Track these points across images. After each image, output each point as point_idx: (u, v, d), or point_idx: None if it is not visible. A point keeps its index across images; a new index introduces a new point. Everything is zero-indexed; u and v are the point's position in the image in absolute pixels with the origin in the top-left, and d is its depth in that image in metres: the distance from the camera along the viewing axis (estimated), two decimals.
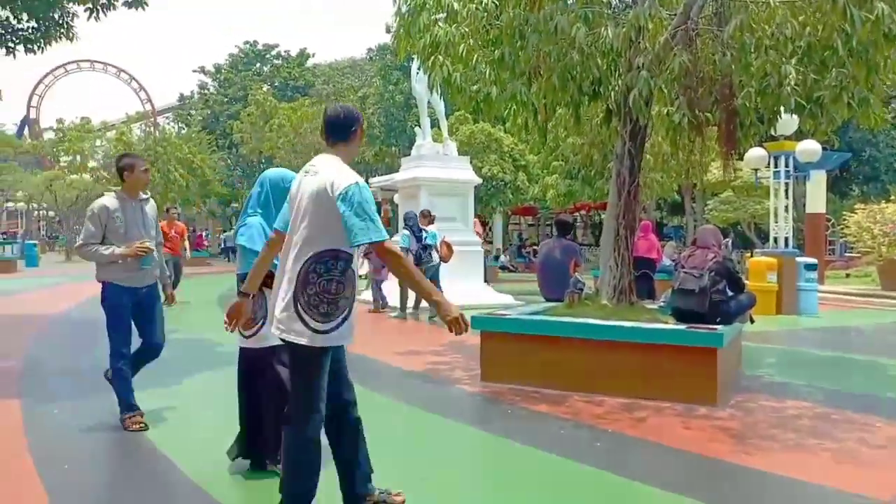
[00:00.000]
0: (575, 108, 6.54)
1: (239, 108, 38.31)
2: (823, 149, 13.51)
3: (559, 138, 15.97)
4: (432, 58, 6.22)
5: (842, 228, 17.29)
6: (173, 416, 4.75)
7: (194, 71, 48.06)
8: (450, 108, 15.98)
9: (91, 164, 34.52)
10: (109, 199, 4.36)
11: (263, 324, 3.38)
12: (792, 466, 3.76)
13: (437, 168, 13.24)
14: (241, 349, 3.59)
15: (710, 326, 5.08)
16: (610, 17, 6.23)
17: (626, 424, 4.56)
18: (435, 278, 10.19)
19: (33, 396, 5.29)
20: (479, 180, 14.65)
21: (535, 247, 27.86)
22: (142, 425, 4.32)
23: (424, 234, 10.48)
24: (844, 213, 17.67)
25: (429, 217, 10.87)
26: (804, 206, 18.67)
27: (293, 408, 2.70)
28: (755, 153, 13.03)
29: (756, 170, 14.56)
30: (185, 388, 5.71)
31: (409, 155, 14.70)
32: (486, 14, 6.11)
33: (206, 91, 46.06)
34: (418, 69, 12.16)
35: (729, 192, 21.97)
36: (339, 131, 2.82)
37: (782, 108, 5.64)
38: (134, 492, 3.37)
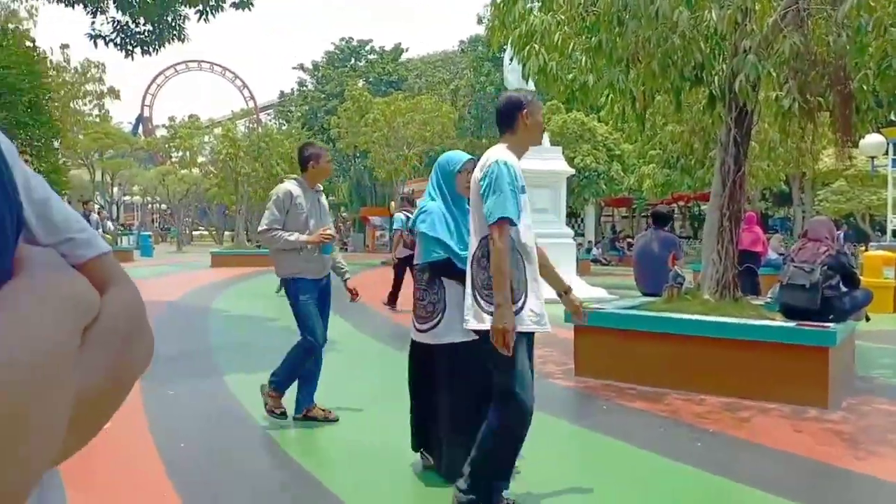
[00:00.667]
0: (675, 95, 6.33)
1: (336, 103, 39.39)
2: None
3: (657, 126, 15.45)
4: (527, 47, 6.18)
5: None
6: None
7: (293, 68, 49.86)
8: (542, 97, 15.79)
9: (200, 159, 36.54)
10: (293, 186, 4.25)
11: (442, 318, 3.19)
12: None
13: (528, 159, 13.03)
14: (414, 343, 3.41)
15: (822, 324, 4.79)
16: (714, 0, 5.98)
17: (728, 424, 4.39)
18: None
19: (152, 379, 5.69)
20: (572, 171, 14.43)
21: (629, 239, 27.15)
22: (282, 411, 4.28)
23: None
24: None
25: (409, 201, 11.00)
26: None
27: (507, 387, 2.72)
28: (872, 140, 12.16)
29: (873, 157, 13.58)
30: None
31: None
32: (582, 1, 6.00)
33: (304, 87, 47.64)
34: (511, 59, 12.09)
35: (842, 182, 20.56)
36: (502, 121, 2.89)
37: None
38: (246, 468, 3.59)
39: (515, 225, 2.68)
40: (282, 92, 52.57)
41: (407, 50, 47.40)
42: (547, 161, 13.38)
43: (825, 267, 5.01)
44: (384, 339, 7.72)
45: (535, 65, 6.13)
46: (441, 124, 28.43)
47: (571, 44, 6.12)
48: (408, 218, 10.70)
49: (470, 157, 3.37)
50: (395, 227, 10.67)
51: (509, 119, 2.85)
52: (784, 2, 5.51)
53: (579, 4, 6.04)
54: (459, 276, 3.02)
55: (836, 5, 5.21)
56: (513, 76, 13.07)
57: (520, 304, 2.68)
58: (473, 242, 2.81)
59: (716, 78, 6.10)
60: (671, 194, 22.54)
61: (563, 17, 6.10)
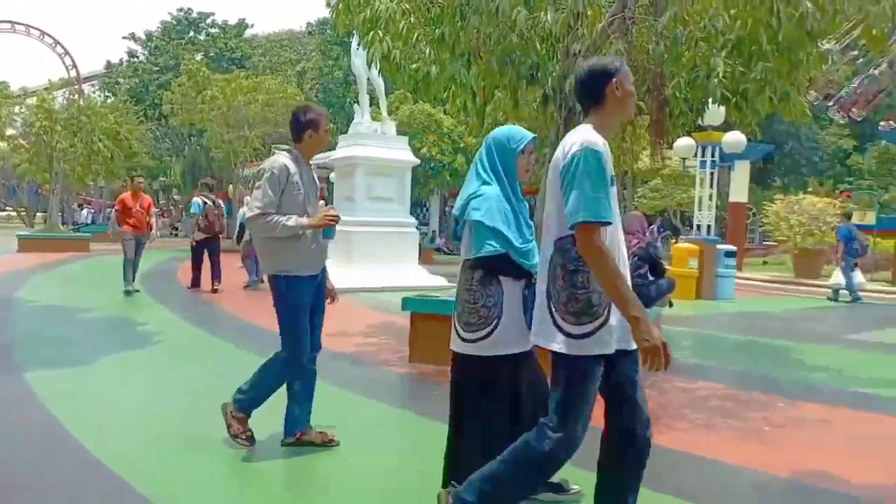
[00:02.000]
0: (513, 92, 6.57)
1: (170, 77, 36.78)
2: (748, 140, 14.08)
3: (498, 122, 16.05)
4: (371, 33, 6.12)
5: (762, 218, 18.12)
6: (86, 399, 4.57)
7: (124, 38, 45.92)
8: (390, 86, 15.79)
9: (9, 131, 32.57)
10: (287, 160, 3.54)
11: (497, 326, 2.66)
12: (699, 445, 3.94)
13: (375, 147, 13.10)
14: (460, 356, 2.79)
15: None
16: (550, 2, 6.28)
17: None
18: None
19: None
20: (418, 161, 14.60)
21: None
22: (249, 436, 3.61)
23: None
24: (765, 203, 18.53)
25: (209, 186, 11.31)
26: (728, 195, 19.45)
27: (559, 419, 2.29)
28: (683, 143, 13.47)
29: (684, 159, 15.05)
30: (103, 368, 5.50)
31: (347, 133, 14.50)
32: None
33: (135, 59, 44.06)
34: (358, 45, 11.97)
35: (658, 180, 22.65)
36: (587, 95, 2.37)
37: (710, 100, 5.81)
38: (41, 470, 3.24)
39: (609, 224, 2.19)
40: (109, 62, 48.21)
41: (252, 26, 45.39)
42: (393, 150, 13.42)
43: (636, 258, 5.46)
44: (214, 330, 7.37)
45: (378, 52, 6.09)
46: (286, 106, 27.53)
47: (416, 34, 6.14)
48: (205, 203, 10.43)
49: (534, 135, 2.88)
50: (192, 211, 11.11)
51: (595, 91, 2.33)
52: (612, 9, 5.90)
53: None
54: (517, 274, 2.65)
55: (657, 16, 5.67)
56: (360, 61, 12.94)
57: (601, 320, 2.22)
58: (548, 243, 2.31)
59: (549, 78, 6.41)
60: None
61: (408, 6, 6.11)
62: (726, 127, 12.88)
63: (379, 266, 11.72)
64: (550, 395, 2.33)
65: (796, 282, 16.22)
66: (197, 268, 10.96)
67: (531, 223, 2.79)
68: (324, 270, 3.70)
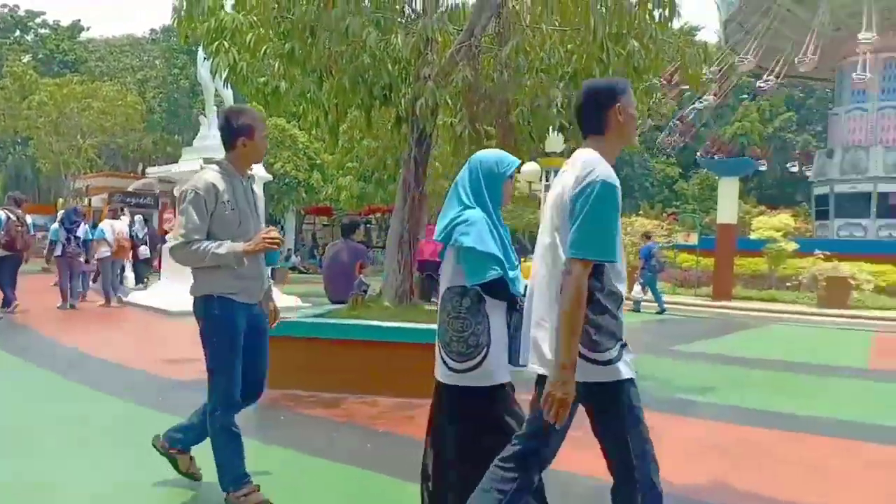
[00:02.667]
0: (366, 112, 6.60)
1: None
2: None
3: (354, 140, 16.03)
4: (216, 43, 5.90)
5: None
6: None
7: None
8: (240, 99, 15.27)
9: None
10: (215, 176, 3.01)
11: (487, 354, 2.53)
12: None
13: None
14: (447, 387, 2.63)
15: None
16: (402, 26, 6.39)
17: (398, 424, 4.67)
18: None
19: None
20: (269, 177, 14.19)
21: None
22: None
23: (78, 227, 11.05)
24: None
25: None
26: None
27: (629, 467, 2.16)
28: (530, 167, 14.19)
29: (530, 182, 15.83)
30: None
31: (192, 146, 13.80)
32: (277, 5, 5.92)
33: None
34: (205, 55, 11.48)
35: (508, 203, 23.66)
36: (589, 119, 2.23)
37: (550, 127, 6.16)
38: None
39: (614, 262, 2.13)
40: None
41: (88, 29, 42.18)
42: None
43: None
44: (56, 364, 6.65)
45: (224, 63, 5.87)
46: (125, 115, 25.73)
47: (265, 47, 6.00)
48: (8, 217, 9.61)
49: (518, 160, 2.74)
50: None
51: (598, 116, 2.20)
52: (460, 37, 6.11)
53: (274, 8, 5.95)
54: (507, 301, 2.55)
55: (502, 46, 5.95)
56: (206, 71, 12.38)
57: (619, 346, 2.16)
58: (551, 270, 2.18)
59: (402, 100, 6.50)
60: (368, 206, 23.56)
61: (256, 19, 5.95)
62: (571, 152, 13.72)
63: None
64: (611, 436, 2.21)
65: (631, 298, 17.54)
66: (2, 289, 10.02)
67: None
68: (268, 293, 3.31)
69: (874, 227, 22.18)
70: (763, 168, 26.51)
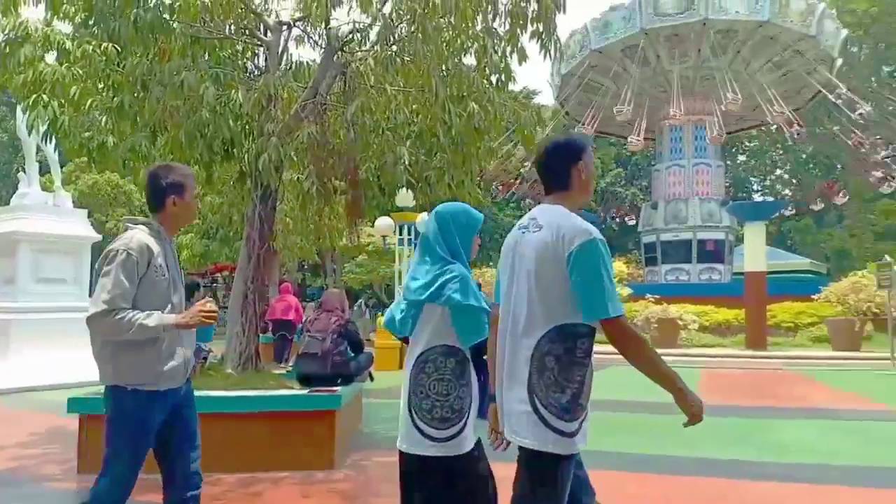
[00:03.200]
0: (206, 167, 6.31)
1: None
2: None
3: (196, 196, 15.30)
4: (34, 97, 5.41)
5: None
6: None
7: None
8: (62, 154, 14.12)
9: None
10: (147, 237, 2.68)
11: (468, 419, 2.39)
12: None
13: (45, 220, 11.43)
14: (424, 459, 2.41)
15: (331, 388, 5.21)
16: (243, 81, 6.24)
17: (242, 502, 4.33)
18: None
19: None
20: (99, 237, 13.10)
21: None
22: None
23: None
24: None
25: None
26: None
27: None
28: (383, 222, 14.27)
29: (385, 236, 15.90)
30: None
31: (9, 205, 12.48)
32: (105, 58, 5.56)
33: None
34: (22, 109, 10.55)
35: (364, 256, 23.61)
36: (555, 175, 2.23)
37: (398, 184, 6.22)
38: None
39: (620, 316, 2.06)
40: None
41: None
42: (68, 224, 11.88)
43: (336, 335, 5.51)
44: None
45: (42, 116, 5.39)
46: None
47: (90, 100, 5.59)
48: None
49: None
50: None
51: (562, 173, 2.21)
52: (305, 94, 6.06)
53: (101, 61, 5.58)
54: (482, 363, 2.41)
55: (347, 104, 5.96)
56: (24, 124, 11.37)
57: (586, 413, 2.11)
58: (531, 330, 2.08)
59: (245, 155, 6.30)
60: (214, 264, 22.47)
61: (81, 72, 5.54)
62: (424, 207, 13.99)
63: (48, 360, 10.08)
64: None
65: None
66: None
67: None
68: (189, 382, 2.87)
69: (696, 271, 24.51)
70: (598, 221, 28.64)
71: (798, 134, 21.56)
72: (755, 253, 17.38)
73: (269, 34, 6.51)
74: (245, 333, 5.92)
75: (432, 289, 2.41)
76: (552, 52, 5.69)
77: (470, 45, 5.71)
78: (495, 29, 5.72)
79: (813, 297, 17.93)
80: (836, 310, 16.50)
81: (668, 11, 21.20)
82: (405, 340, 2.58)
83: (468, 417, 2.41)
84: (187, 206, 2.83)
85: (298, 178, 6.14)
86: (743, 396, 9.51)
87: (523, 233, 2.19)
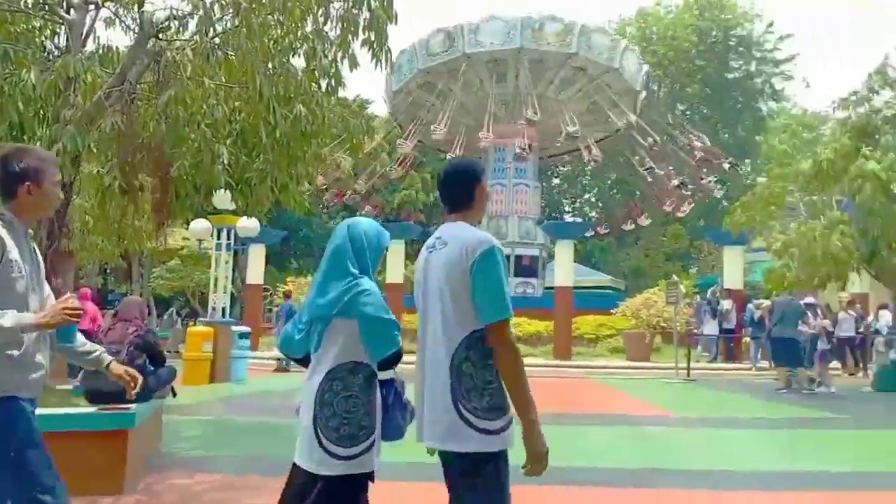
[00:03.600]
0: None
1: None
2: (263, 225, 14.84)
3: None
4: None
5: (277, 298, 19.24)
6: None
7: None
8: None
9: None
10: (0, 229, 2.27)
11: (375, 435, 2.40)
12: None
13: None
14: (324, 479, 2.33)
15: (124, 406, 4.71)
16: (38, 61, 5.55)
17: None
18: None
19: None
20: None
21: None
22: None
23: None
24: (279, 284, 19.76)
25: None
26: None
27: None
28: (199, 225, 13.41)
29: (200, 240, 14.96)
30: None
31: None
32: None
33: None
34: None
35: (176, 261, 22.05)
36: (460, 195, 2.38)
37: (216, 184, 5.87)
38: None
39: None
40: None
41: None
42: None
43: (132, 347, 5.02)
44: None
45: None
46: None
47: None
48: None
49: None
50: None
51: (467, 193, 2.36)
52: (111, 80, 5.51)
53: None
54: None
55: (161, 94, 5.50)
56: None
57: (507, 418, 2.18)
58: (448, 342, 2.20)
59: (37, 143, 5.60)
60: None
61: None
62: (245, 211, 13.34)
63: None
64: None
65: None
66: None
67: None
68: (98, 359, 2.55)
69: (513, 284, 25.88)
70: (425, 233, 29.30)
71: (595, 160, 23.57)
72: (565, 269, 18.71)
73: (72, 12, 5.85)
74: None
75: (342, 303, 2.41)
76: (383, 63, 5.70)
77: (299, 46, 5.55)
78: (326, 33, 5.61)
79: (612, 311, 19.61)
80: (630, 323, 18.16)
81: (489, 40, 22.44)
82: (304, 362, 2.53)
83: (375, 434, 2.41)
84: (45, 194, 2.44)
85: (99, 171, 5.54)
86: (550, 404, 10.15)
87: (430, 252, 2.34)
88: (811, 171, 12.59)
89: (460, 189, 2.38)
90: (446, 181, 2.40)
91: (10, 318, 2.20)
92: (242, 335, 13.06)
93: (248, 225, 13.32)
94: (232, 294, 17.75)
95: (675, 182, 24.25)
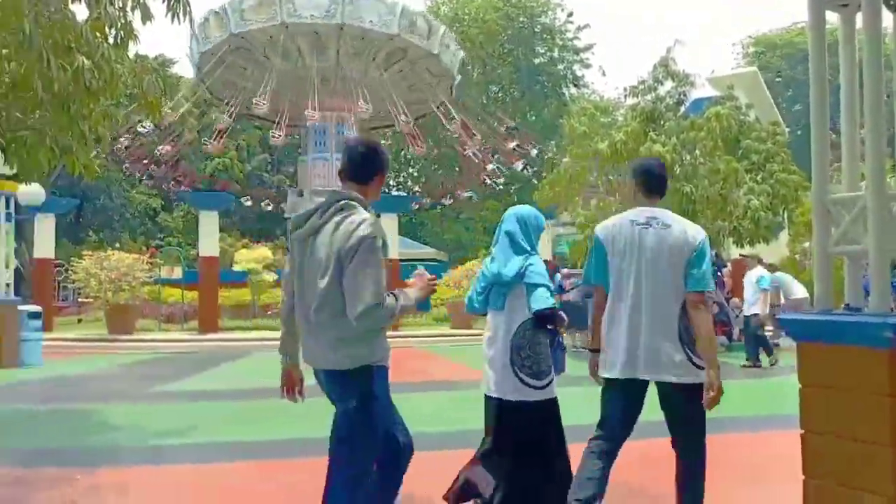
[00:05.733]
0: None
1: None
2: (53, 193, 13.27)
3: None
4: None
5: (72, 274, 17.38)
6: None
7: None
8: None
9: None
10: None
11: (553, 373, 3.27)
12: None
13: None
14: (524, 403, 3.17)
15: None
16: None
17: None
18: None
19: None
20: None
21: None
22: None
23: None
24: (74, 258, 17.84)
25: None
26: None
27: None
28: None
29: None
30: None
31: None
32: None
33: None
34: None
35: None
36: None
37: None
38: None
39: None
40: None
41: None
42: None
43: None
44: None
45: None
46: None
47: None
48: None
49: None
50: None
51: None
52: None
53: None
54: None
55: None
56: None
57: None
58: (674, 300, 2.93)
59: None
60: None
61: None
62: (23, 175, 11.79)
63: None
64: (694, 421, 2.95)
65: (111, 339, 16.10)
66: None
67: None
68: None
69: None
70: (248, 204, 28.00)
71: (420, 147, 24.08)
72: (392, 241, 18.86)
73: None
74: None
75: (521, 273, 3.19)
76: (181, 17, 5.27)
77: None
78: None
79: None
80: (454, 293, 18.81)
81: (309, 13, 21.59)
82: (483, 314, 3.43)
83: (553, 371, 3.22)
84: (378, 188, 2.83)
85: None
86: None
87: (645, 227, 2.98)
88: (607, 151, 13.72)
89: (663, 181, 3.20)
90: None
91: (400, 297, 2.59)
92: (33, 315, 11.68)
93: (30, 191, 11.86)
94: (18, 270, 15.78)
95: (488, 168, 25.81)
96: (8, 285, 12.22)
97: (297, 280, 2.62)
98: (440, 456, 4.12)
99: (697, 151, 13.64)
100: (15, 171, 6.36)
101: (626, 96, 15.35)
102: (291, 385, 2.81)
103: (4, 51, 5.19)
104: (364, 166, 2.68)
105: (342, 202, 2.56)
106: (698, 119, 13.79)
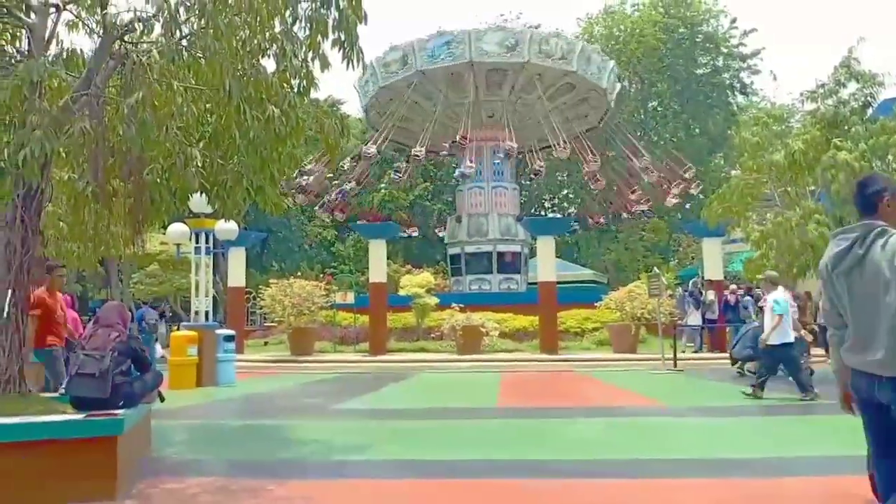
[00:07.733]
0: None
1: None
2: (243, 228, 14.73)
3: None
4: None
5: (260, 301, 19.10)
6: None
7: None
8: None
9: None
10: None
11: None
12: None
13: None
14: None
15: (111, 412, 4.69)
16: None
17: None
18: None
19: None
20: None
21: None
22: None
23: None
24: (261, 286, 19.61)
25: None
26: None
27: None
28: (177, 229, 13.30)
29: (178, 244, 14.81)
30: None
31: None
32: None
33: None
34: None
35: (155, 266, 21.82)
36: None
37: (190, 188, 5.81)
38: None
39: None
40: None
41: None
42: None
43: (116, 353, 4.98)
44: None
45: None
46: None
47: None
48: None
49: None
50: None
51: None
52: (77, 84, 5.45)
53: None
54: None
55: (128, 97, 5.43)
56: None
57: None
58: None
59: (4, 149, 5.52)
60: None
61: None
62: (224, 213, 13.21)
63: None
64: None
65: (292, 359, 17.45)
66: None
67: None
68: None
69: (496, 281, 25.95)
70: (415, 234, 29.33)
71: (539, 171, 23.82)
72: (547, 264, 18.77)
73: (32, 15, 5.76)
74: (6, 354, 5.15)
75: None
76: (355, 63, 5.69)
77: (268, 46, 5.51)
78: (295, 33, 5.58)
79: (596, 304, 19.70)
80: (615, 315, 18.27)
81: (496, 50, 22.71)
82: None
83: None
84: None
85: (70, 177, 5.47)
86: (542, 397, 10.19)
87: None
88: (784, 162, 12.72)
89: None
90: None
91: None
92: (227, 338, 12.98)
93: (226, 228, 13.24)
94: (214, 297, 17.62)
95: (642, 208, 25.18)
96: (207, 312, 13.69)
97: (850, 307, 2.89)
98: (603, 486, 3.98)
99: (890, 157, 12.26)
100: (212, 210, 7.16)
101: (803, 102, 14.18)
102: (849, 402, 3.04)
103: (207, 105, 5.90)
104: (867, 197, 2.97)
105: (877, 230, 2.83)
106: (889, 122, 12.41)
